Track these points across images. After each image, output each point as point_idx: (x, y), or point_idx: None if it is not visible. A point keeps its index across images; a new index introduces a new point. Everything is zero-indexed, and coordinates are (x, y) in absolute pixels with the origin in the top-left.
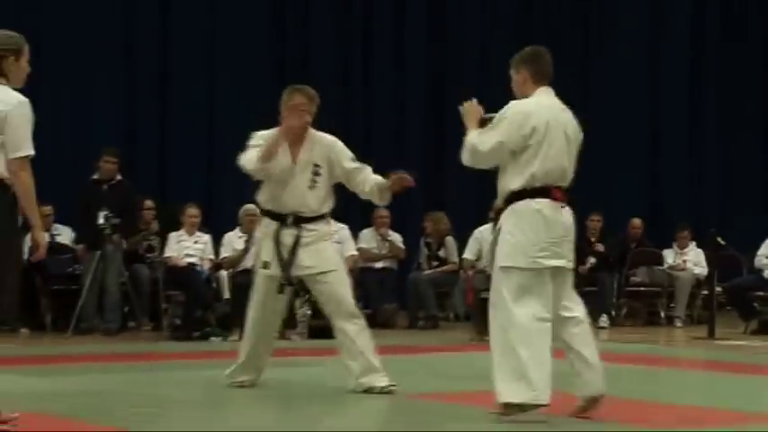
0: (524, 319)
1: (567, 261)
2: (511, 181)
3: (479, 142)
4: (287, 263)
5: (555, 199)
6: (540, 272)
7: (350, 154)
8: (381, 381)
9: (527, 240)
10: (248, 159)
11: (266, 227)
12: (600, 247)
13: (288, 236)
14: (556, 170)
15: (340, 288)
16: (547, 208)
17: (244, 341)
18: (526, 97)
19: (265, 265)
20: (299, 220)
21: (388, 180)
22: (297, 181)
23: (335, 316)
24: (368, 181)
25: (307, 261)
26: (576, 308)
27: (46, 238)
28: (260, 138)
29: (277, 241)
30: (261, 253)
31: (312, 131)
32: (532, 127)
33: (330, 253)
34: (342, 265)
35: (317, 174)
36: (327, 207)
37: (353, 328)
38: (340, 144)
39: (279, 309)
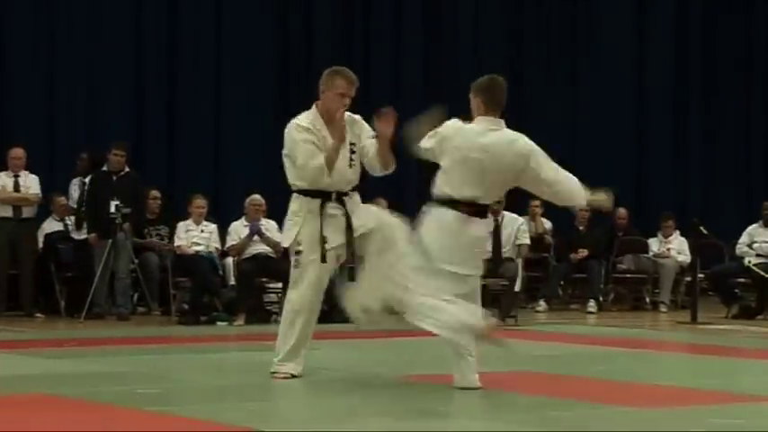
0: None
1: (470, 269)
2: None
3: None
4: (347, 234)
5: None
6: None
7: (371, 131)
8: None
9: (438, 245)
10: (313, 168)
11: (308, 204)
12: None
13: (333, 209)
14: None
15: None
16: (455, 219)
17: (289, 327)
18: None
19: (325, 240)
20: (341, 195)
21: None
22: (339, 161)
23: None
24: (371, 150)
25: (356, 222)
26: None
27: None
28: (303, 129)
29: (322, 216)
30: (303, 231)
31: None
32: (453, 147)
33: (373, 209)
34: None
35: (353, 152)
36: (356, 180)
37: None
38: (362, 120)
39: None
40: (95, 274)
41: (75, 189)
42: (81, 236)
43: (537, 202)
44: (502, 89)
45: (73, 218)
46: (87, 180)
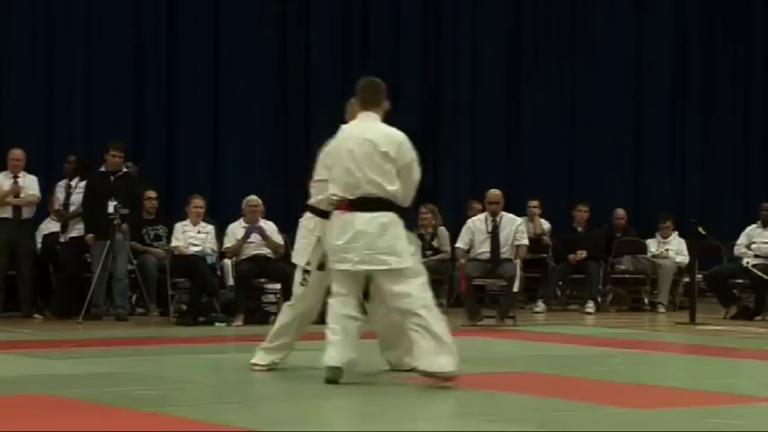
0: None
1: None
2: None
3: None
4: None
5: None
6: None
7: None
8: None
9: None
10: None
11: (323, 225)
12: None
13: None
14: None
15: None
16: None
17: (289, 325)
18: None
19: None
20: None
21: None
22: None
23: None
24: None
25: None
26: None
27: None
28: None
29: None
30: (315, 252)
31: None
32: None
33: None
34: None
35: None
36: None
37: None
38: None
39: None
40: (94, 274)
41: (60, 191)
42: (67, 238)
43: (535, 203)
44: (373, 88)
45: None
46: (74, 183)
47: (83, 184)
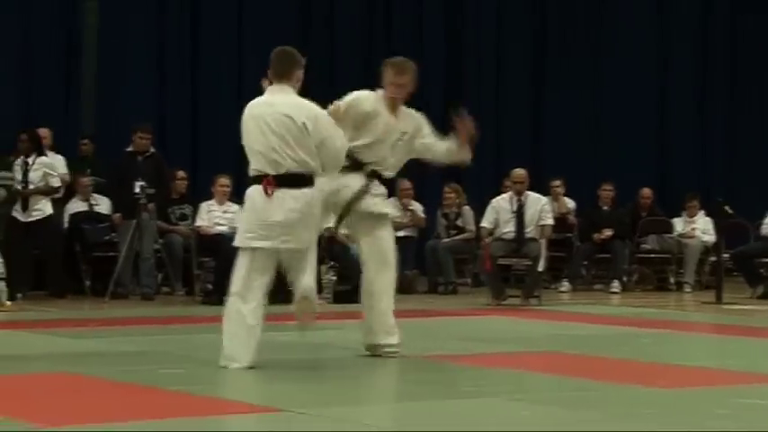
0: None
1: (273, 243)
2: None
3: None
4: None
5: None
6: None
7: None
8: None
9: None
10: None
11: None
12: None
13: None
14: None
15: None
16: (257, 193)
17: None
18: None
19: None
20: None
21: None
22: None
23: None
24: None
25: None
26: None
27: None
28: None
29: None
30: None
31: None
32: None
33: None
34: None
35: (399, 140)
36: None
37: None
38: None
39: None
40: (120, 253)
41: (17, 170)
42: (28, 218)
43: (558, 182)
44: (285, 58)
45: (98, 196)
46: (30, 160)
47: (40, 160)
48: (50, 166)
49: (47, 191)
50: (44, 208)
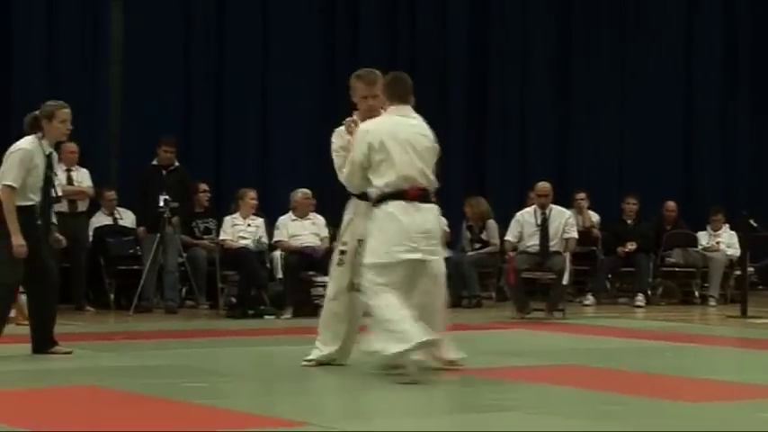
0: None
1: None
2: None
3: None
4: None
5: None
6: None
7: None
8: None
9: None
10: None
11: (355, 206)
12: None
13: None
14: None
15: None
16: (399, 209)
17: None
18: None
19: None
20: None
21: None
22: None
23: None
24: None
25: None
26: None
27: (21, 242)
28: (336, 136)
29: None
30: (348, 232)
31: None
32: (368, 143)
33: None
34: None
35: None
36: None
37: None
38: None
39: None
40: (144, 267)
41: None
42: None
43: (582, 195)
44: (402, 82)
45: (122, 209)
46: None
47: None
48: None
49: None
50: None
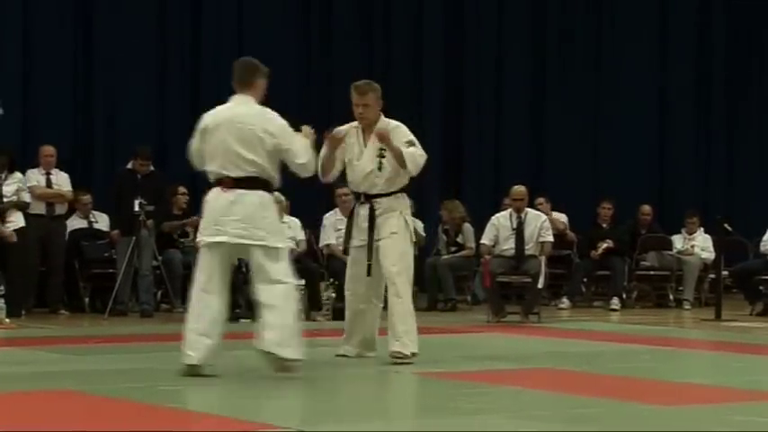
0: None
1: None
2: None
3: None
4: (370, 233)
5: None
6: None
7: (406, 137)
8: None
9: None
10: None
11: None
12: (609, 243)
13: (362, 209)
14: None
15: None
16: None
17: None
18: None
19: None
20: (370, 197)
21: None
22: (364, 164)
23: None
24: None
25: (378, 231)
26: None
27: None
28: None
29: (352, 215)
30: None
31: (382, 119)
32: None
33: (392, 221)
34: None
35: (382, 156)
36: (397, 185)
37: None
38: (401, 128)
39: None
40: (119, 271)
41: None
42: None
43: (541, 200)
44: (242, 69)
45: (97, 213)
46: (3, 175)
47: (13, 175)
48: (23, 182)
49: (20, 205)
50: (17, 220)
